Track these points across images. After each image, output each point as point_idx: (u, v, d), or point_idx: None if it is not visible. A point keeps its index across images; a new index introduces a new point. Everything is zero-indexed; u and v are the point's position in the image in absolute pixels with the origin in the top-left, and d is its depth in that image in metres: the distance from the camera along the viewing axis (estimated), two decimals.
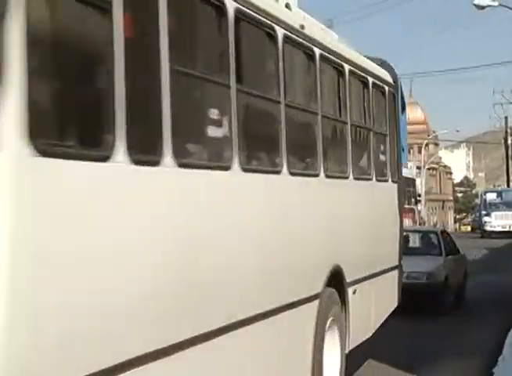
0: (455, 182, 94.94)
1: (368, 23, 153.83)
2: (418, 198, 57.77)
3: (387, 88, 8.74)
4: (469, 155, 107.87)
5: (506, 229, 42.83)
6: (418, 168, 59.66)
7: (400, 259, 9.12)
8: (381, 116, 8.53)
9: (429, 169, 71.74)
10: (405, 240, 12.23)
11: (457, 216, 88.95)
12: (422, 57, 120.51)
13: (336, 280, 6.50)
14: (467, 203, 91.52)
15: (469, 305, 13.90)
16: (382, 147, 8.60)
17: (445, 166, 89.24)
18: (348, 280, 6.83)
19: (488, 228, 43.83)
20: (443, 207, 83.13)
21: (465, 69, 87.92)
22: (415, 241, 14.48)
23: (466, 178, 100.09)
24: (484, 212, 45.79)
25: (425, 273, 12.55)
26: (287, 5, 25.21)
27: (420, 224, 56.92)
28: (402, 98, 53.37)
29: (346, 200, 7.10)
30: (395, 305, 9.07)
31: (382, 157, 8.58)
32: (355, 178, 7.28)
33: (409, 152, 64.54)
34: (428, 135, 71.66)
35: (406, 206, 24.63)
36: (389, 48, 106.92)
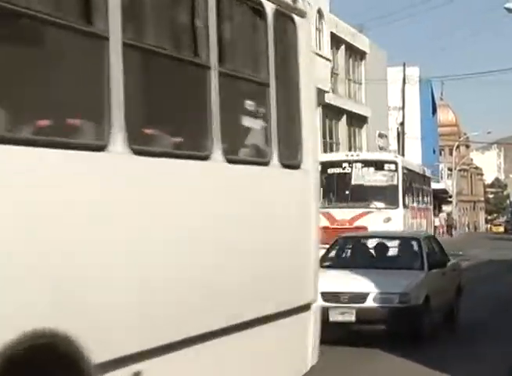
0: (486, 183, 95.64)
1: (400, 28, 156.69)
2: (449, 199, 58.95)
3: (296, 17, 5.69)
4: (500, 156, 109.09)
5: None
6: (449, 169, 61.95)
7: (316, 292, 5.80)
8: (285, 62, 5.56)
9: (460, 171, 71.43)
10: (380, 247, 11.42)
11: (488, 217, 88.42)
12: (453, 60, 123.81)
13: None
14: (499, 204, 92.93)
15: (462, 329, 10.95)
16: (289, 112, 5.58)
17: (476, 167, 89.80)
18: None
19: None
20: (474, 208, 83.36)
21: (496, 71, 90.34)
22: (391, 251, 11.46)
23: (497, 179, 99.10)
24: None
25: (397, 295, 9.58)
26: (319, 11, 32.83)
27: (450, 226, 58.68)
28: (433, 100, 56.29)
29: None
30: (303, 370, 5.67)
31: (286, 127, 5.50)
32: (230, 161, 4.72)
33: (440, 154, 67.05)
34: (459, 137, 73.08)
35: (421, 206, 23.65)
36: (420, 52, 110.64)
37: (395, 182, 20.19)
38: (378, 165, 20.44)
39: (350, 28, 35.34)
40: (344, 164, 20.12)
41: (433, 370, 8.14)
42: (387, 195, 19.94)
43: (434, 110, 58.49)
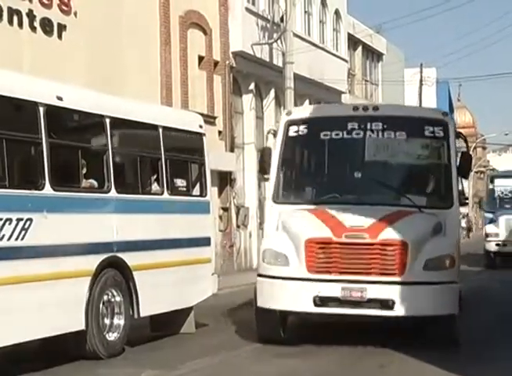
0: None
1: (419, 28, 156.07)
2: (466, 201, 59.10)
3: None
4: None
5: None
6: None
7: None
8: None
9: (477, 172, 72.90)
10: None
11: None
12: (470, 62, 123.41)
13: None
14: None
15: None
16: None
17: (492, 169, 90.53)
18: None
19: (491, 247, 22.80)
20: None
21: None
22: None
23: None
24: (488, 215, 24.06)
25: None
26: (337, 12, 32.98)
27: (469, 228, 57.69)
28: (450, 101, 56.68)
29: None
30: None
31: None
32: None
33: (457, 155, 67.15)
34: (476, 139, 73.61)
35: None
36: (438, 53, 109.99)
37: (445, 160, 10.02)
38: (414, 128, 10.24)
39: (367, 29, 35.38)
40: (351, 125, 10.04)
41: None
42: (431, 183, 10.44)
43: (452, 112, 58.56)
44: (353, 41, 34.12)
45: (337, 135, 10.10)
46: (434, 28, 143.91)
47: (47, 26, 15.55)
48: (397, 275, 8.93)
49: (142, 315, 9.50)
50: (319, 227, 9.19)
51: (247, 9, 23.02)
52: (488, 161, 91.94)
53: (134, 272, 9.34)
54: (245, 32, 22.58)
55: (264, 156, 10.38)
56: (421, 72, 42.21)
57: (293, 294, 9.09)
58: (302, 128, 10.23)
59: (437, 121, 10.10)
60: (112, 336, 9.14)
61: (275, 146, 10.36)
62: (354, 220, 9.19)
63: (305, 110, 12.06)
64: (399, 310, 8.88)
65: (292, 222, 9.48)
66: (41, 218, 8.04)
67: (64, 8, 16.02)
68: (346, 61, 31.28)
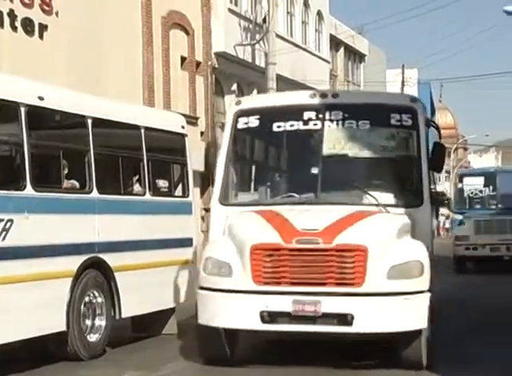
0: None
1: (401, 30, 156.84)
2: (447, 202, 59.70)
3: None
4: (498, 159, 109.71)
5: (500, 253, 20.30)
6: (447, 172, 61.82)
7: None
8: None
9: None
10: None
11: None
12: (452, 62, 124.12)
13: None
14: None
15: None
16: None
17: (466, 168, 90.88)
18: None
19: (461, 251, 20.54)
20: None
21: (496, 74, 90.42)
22: None
23: None
24: (457, 217, 22.34)
25: None
26: (319, 13, 33.04)
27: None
28: (432, 102, 56.91)
29: None
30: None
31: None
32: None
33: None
34: (457, 140, 73.56)
35: None
36: (420, 54, 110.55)
37: (415, 152, 8.75)
38: (378, 116, 8.87)
39: (349, 30, 35.47)
40: (308, 114, 8.76)
41: None
42: (398, 179, 8.97)
43: (433, 113, 58.66)
44: (335, 42, 34.19)
45: (291, 126, 8.79)
46: (416, 29, 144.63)
47: (28, 26, 15.48)
48: (356, 285, 7.65)
49: (123, 316, 9.46)
50: (267, 231, 7.88)
51: (230, 10, 23.02)
52: (469, 162, 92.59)
53: (115, 273, 9.32)
54: (227, 33, 22.58)
55: (209, 151, 9.65)
56: (403, 73, 42.36)
57: (237, 310, 7.82)
58: (253, 120, 8.92)
59: (404, 107, 8.72)
60: (93, 337, 9.10)
61: (223, 140, 9.02)
62: (307, 222, 7.86)
63: (257, 99, 10.62)
64: (359, 326, 7.63)
65: (237, 225, 8.16)
66: (22, 219, 7.99)
67: (46, 8, 15.95)
68: (328, 62, 31.35)
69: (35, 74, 12.70)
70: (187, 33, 21.47)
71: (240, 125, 8.97)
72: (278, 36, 23.92)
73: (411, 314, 7.79)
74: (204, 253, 8.30)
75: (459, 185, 23.00)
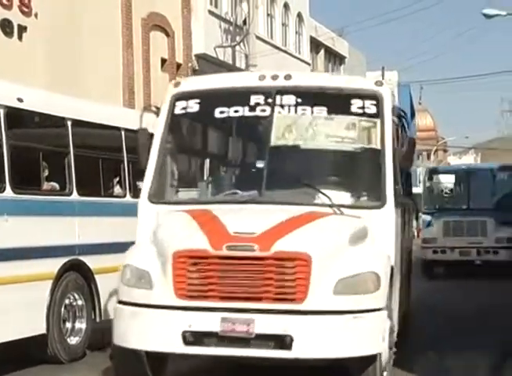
0: None
1: (380, 32, 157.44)
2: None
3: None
4: (477, 161, 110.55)
5: (470, 257, 18.62)
6: None
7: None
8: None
9: None
10: None
11: None
12: (432, 65, 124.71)
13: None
14: None
15: None
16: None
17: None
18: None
19: (429, 255, 18.86)
20: None
21: (474, 76, 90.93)
22: None
23: None
24: (425, 218, 20.01)
25: None
26: (299, 15, 33.01)
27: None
28: (412, 105, 57.33)
29: None
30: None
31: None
32: None
33: (418, 158, 67.99)
34: (437, 142, 74.04)
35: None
36: (399, 56, 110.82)
37: (378, 144, 7.41)
38: (337, 102, 7.58)
39: (330, 32, 35.56)
40: (256, 98, 7.56)
41: None
42: (358, 175, 7.78)
43: (413, 115, 58.81)
44: (315, 44, 34.26)
45: (236, 112, 7.44)
46: (397, 32, 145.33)
47: (7, 27, 15.41)
48: (297, 301, 6.29)
49: (104, 318, 9.48)
50: (195, 235, 6.52)
51: (210, 12, 23.00)
52: (449, 164, 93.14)
53: (96, 276, 9.29)
54: (208, 34, 22.57)
55: (141, 141, 7.62)
56: (383, 75, 42.45)
57: (155, 329, 6.49)
58: (192, 104, 7.62)
59: (368, 93, 7.37)
60: (73, 340, 9.06)
61: (157, 127, 7.67)
62: (243, 225, 6.51)
63: (199, 81, 8.57)
64: (299, 350, 6.30)
65: (162, 227, 6.89)
66: (1, 221, 7.94)
67: (25, 9, 15.88)
68: (308, 64, 31.41)
69: (14, 75, 12.63)
70: (167, 34, 21.44)
71: (178, 110, 7.66)
72: (258, 38, 23.96)
73: (363, 336, 6.42)
74: (124, 260, 6.94)
75: (429, 183, 20.69)
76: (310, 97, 7.45)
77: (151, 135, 7.63)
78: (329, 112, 7.44)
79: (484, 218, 18.28)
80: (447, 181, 20.67)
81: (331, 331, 6.37)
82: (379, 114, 7.35)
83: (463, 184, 20.09)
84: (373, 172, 7.35)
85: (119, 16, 19.27)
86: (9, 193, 8.07)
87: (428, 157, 73.17)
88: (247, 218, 6.73)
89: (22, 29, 15.70)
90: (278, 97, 7.43)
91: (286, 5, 29.07)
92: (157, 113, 7.88)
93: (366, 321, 6.45)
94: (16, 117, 8.37)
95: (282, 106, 7.41)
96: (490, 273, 17.76)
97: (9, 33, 15.41)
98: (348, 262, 6.53)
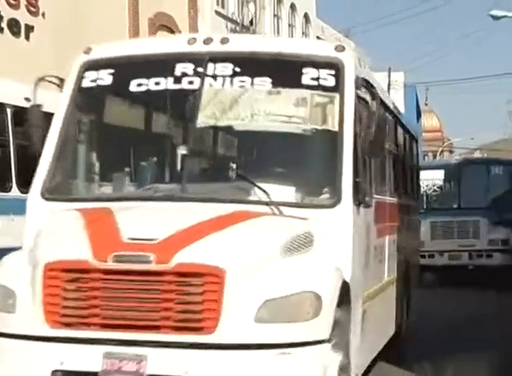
0: None
1: (386, 33, 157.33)
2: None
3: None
4: None
5: (461, 261, 16.68)
6: None
7: None
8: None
9: None
10: None
11: None
12: (438, 66, 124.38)
13: None
14: None
15: None
16: None
17: None
18: None
19: (425, 260, 14.86)
20: None
21: (481, 78, 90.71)
22: None
23: None
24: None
25: None
26: (306, 16, 33.04)
27: None
28: (418, 105, 57.05)
29: None
30: None
31: None
32: None
33: (424, 159, 68.07)
34: (443, 143, 74.45)
35: (395, 199, 17.44)
36: (406, 57, 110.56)
37: (335, 126, 5.62)
38: (285, 72, 5.84)
39: (336, 33, 35.55)
40: (182, 67, 5.87)
41: None
42: (307, 165, 5.90)
43: (419, 116, 59.00)
44: None
45: (157, 84, 5.87)
46: (404, 32, 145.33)
47: (14, 27, 15.43)
48: (205, 331, 4.65)
49: None
50: (75, 242, 4.93)
51: (217, 12, 23.01)
52: None
53: None
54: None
55: (33, 121, 5.96)
56: (389, 76, 42.51)
57: (18, 368, 4.85)
58: (105, 75, 6.02)
59: (325, 60, 5.70)
60: None
61: (60, 103, 6.02)
62: (142, 229, 4.91)
63: (115, 47, 6.88)
64: None
65: (42, 232, 5.27)
66: None
67: (32, 9, 15.91)
68: None
69: (22, 74, 12.65)
70: (174, 35, 21.48)
71: (86, 83, 6.03)
72: None
73: None
74: None
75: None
76: (251, 65, 5.81)
77: (47, 115, 5.96)
78: (275, 84, 5.73)
79: (477, 217, 16.29)
80: (436, 177, 18.02)
81: (250, 373, 4.68)
82: (338, 87, 5.64)
83: (453, 180, 17.85)
84: (326, 161, 5.67)
85: (126, 16, 19.30)
86: None
87: (434, 157, 73.69)
88: (149, 220, 5.07)
89: (29, 29, 15.73)
90: (210, 65, 5.79)
91: (292, 6, 29.08)
92: (60, 85, 6.40)
93: (299, 358, 4.72)
94: None
95: (214, 76, 5.76)
96: (483, 279, 15.57)
97: (16, 32, 15.44)
98: (278, 278, 4.80)
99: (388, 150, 7.13)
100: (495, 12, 23.82)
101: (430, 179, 17.93)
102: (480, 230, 16.25)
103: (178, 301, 4.71)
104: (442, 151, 71.87)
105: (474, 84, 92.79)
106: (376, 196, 6.34)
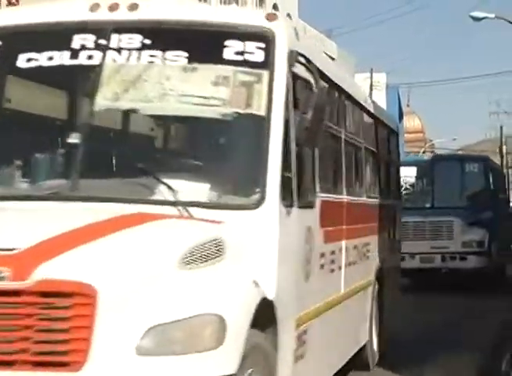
0: None
1: (368, 34, 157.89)
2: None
3: None
4: None
5: (434, 264, 15.48)
6: None
7: None
8: None
9: None
10: None
11: None
12: (420, 67, 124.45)
13: None
14: None
15: None
16: None
17: None
18: None
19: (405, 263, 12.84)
20: None
21: (462, 79, 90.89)
22: None
23: None
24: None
25: None
26: (288, 16, 33.21)
27: None
28: (400, 106, 57.14)
29: None
30: None
31: None
32: None
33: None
34: (425, 144, 74.80)
35: (363, 198, 15.38)
36: (388, 58, 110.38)
37: (261, 109, 4.51)
38: (204, 44, 4.77)
39: (318, 34, 35.61)
40: (81, 38, 4.80)
41: None
42: (226, 157, 4.75)
43: (401, 117, 59.14)
44: None
45: (50, 59, 4.83)
46: (385, 34, 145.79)
47: None
48: (71, 368, 3.60)
49: None
50: None
51: None
52: None
53: None
54: None
55: None
56: (371, 77, 42.61)
57: None
58: None
59: (252, 30, 4.71)
60: None
61: None
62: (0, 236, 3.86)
63: (7, 14, 5.62)
64: None
65: None
66: None
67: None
68: None
69: None
70: None
71: None
72: None
73: None
74: None
75: None
76: (163, 37, 4.82)
77: None
78: (191, 59, 4.71)
79: (450, 218, 15.32)
80: (408, 174, 16.26)
81: None
82: (267, 63, 4.64)
83: (426, 178, 16.63)
84: (249, 152, 4.66)
85: None
86: None
87: None
88: (11, 226, 4.03)
89: None
90: (114, 37, 4.78)
91: (275, 6, 29.07)
92: None
93: None
94: None
95: (119, 50, 4.75)
96: (457, 283, 14.83)
97: None
98: (169, 298, 3.74)
99: (347, 141, 6.27)
100: (476, 14, 24.22)
101: (402, 177, 15.80)
102: (453, 231, 15.32)
103: (39, 328, 3.62)
104: (424, 152, 71.92)
105: (456, 86, 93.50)
106: (322, 194, 5.30)
